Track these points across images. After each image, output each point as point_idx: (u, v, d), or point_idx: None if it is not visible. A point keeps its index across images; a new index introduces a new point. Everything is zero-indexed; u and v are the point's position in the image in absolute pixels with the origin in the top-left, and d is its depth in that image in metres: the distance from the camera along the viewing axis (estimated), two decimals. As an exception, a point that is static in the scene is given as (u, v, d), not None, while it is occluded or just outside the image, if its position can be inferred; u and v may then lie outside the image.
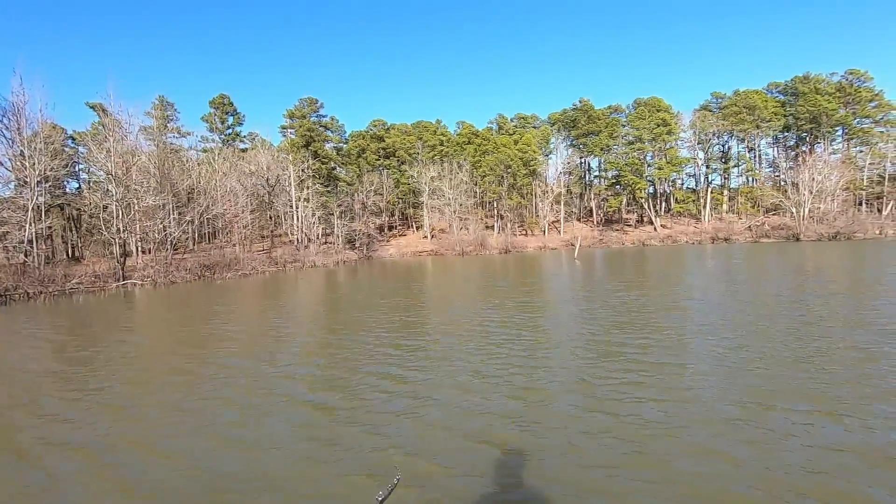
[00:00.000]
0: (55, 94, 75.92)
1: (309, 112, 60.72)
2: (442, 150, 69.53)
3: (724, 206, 68.66)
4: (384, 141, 69.32)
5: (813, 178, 55.15)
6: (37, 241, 35.36)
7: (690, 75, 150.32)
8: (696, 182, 73.47)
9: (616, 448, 4.84)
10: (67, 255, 47.37)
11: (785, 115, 66.47)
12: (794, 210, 56.46)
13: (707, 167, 69.18)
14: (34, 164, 35.42)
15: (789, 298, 13.79)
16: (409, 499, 4.06)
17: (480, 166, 65.79)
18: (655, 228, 64.48)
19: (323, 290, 24.86)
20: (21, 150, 36.93)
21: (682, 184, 74.91)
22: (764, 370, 7.11)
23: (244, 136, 65.51)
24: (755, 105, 64.73)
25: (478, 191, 66.75)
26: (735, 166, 69.77)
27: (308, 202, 52.67)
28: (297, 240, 52.14)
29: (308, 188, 53.58)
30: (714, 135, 67.83)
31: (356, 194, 59.82)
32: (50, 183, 43.03)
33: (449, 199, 61.20)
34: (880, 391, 6.02)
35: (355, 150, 66.71)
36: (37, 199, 35.52)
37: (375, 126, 72.77)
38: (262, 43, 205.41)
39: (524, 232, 67.66)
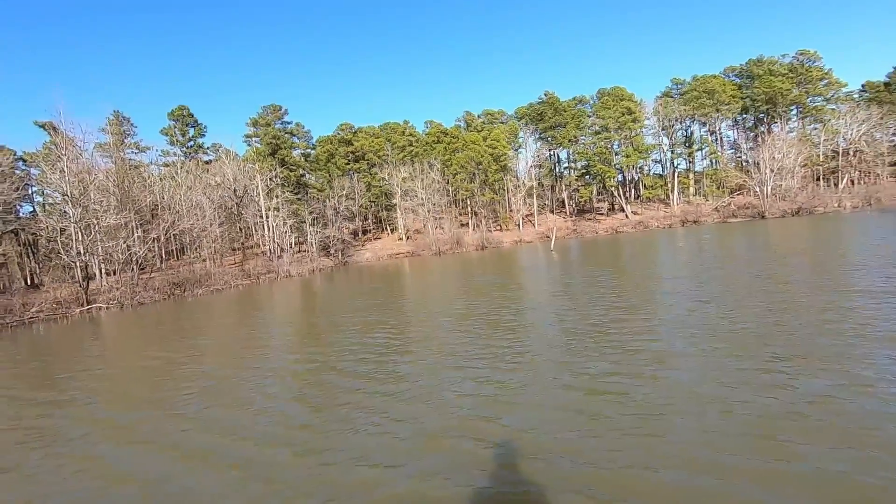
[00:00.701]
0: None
1: (273, 119, 59.45)
2: (412, 151, 69.08)
3: (692, 190, 70.29)
4: (352, 145, 68.42)
5: (773, 157, 56.94)
6: (-10, 270, 33.54)
7: (650, 63, 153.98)
8: (663, 168, 75.06)
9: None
10: (25, 282, 45.13)
11: (742, 98, 68.46)
12: (757, 189, 58.19)
13: (672, 152, 70.67)
14: (-19, 189, 33.59)
15: (761, 273, 14.11)
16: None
17: (451, 164, 65.62)
18: (627, 215, 65.55)
19: (298, 300, 24.27)
20: (-34, 176, 35.05)
21: (650, 170, 76.40)
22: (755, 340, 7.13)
23: (207, 148, 63.73)
24: (714, 89, 66.45)
25: (450, 189, 66.58)
26: (699, 150, 71.46)
27: (278, 211, 51.52)
28: (270, 250, 50.97)
29: (277, 197, 52.44)
30: (677, 120, 69.32)
31: (327, 200, 58.84)
32: (1, 208, 40.97)
33: (422, 199, 60.84)
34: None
35: (324, 156, 65.65)
36: (-14, 226, 33.66)
37: (342, 130, 71.79)
38: (219, 50, 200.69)
39: (499, 227, 67.84)
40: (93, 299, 32.24)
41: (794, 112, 68.97)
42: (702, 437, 4.66)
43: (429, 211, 61.15)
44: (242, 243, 54.47)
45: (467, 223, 67.22)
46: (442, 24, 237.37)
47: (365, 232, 69.51)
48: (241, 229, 55.20)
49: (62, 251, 35.91)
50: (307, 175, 63.81)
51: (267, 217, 51.99)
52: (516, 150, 74.17)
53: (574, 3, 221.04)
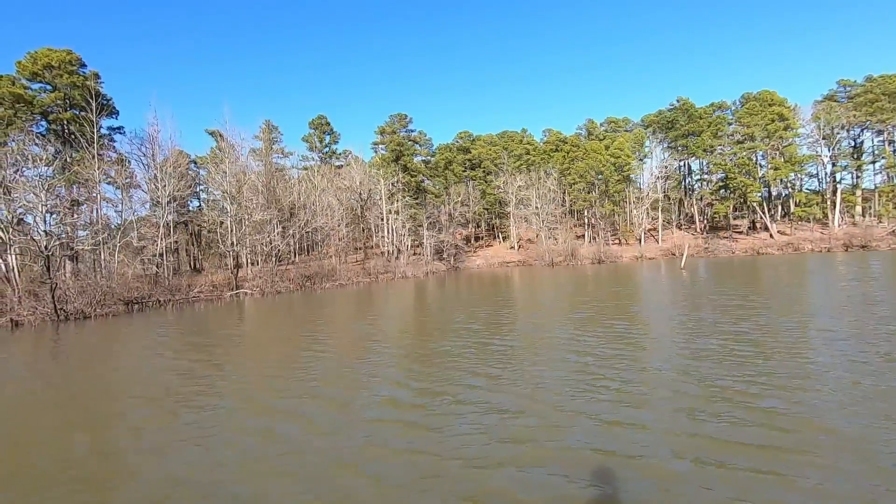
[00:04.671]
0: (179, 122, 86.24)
1: (399, 127, 62.74)
2: (528, 160, 68.28)
3: (858, 209, 59.74)
4: (470, 152, 69.66)
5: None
6: (166, 255, 39.60)
7: (802, 65, 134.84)
8: (820, 183, 64.96)
9: None
10: (190, 266, 52.73)
11: (935, 101, 56.60)
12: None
13: (834, 165, 60.74)
14: (165, 185, 39.80)
15: None
16: None
17: (569, 174, 63.52)
18: (772, 235, 57.65)
19: (418, 300, 24.84)
20: (155, 174, 41.73)
21: (802, 185, 66.56)
22: None
23: (339, 154, 69.29)
24: (896, 91, 55.93)
25: (567, 199, 64.41)
26: (871, 163, 60.55)
27: (398, 215, 54.09)
28: (389, 251, 53.63)
29: (398, 201, 55.09)
30: (842, 127, 59.50)
31: (443, 205, 60.46)
32: (177, 202, 48.32)
33: (536, 208, 59.67)
34: None
35: (442, 163, 67.67)
36: (167, 217, 39.81)
37: (461, 138, 73.43)
38: (352, 63, 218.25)
39: (617, 241, 63.96)
40: (240, 285, 36.47)
41: None
42: None
43: (543, 220, 59.75)
44: (364, 243, 58.06)
45: (583, 235, 64.43)
46: (565, 31, 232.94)
47: (477, 238, 70.11)
48: (363, 230, 58.91)
49: (220, 241, 41.33)
50: (426, 181, 66.22)
51: (387, 220, 54.86)
52: (641, 159, 69.51)
53: (709, 3, 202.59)
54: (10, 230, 24.57)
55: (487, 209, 69.01)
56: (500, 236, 70.33)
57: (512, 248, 63.32)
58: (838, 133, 60.22)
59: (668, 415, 6.06)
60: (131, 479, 5.15)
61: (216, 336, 15.40)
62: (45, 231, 25.09)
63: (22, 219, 27.94)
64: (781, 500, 4.03)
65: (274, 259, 44.66)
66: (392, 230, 53.98)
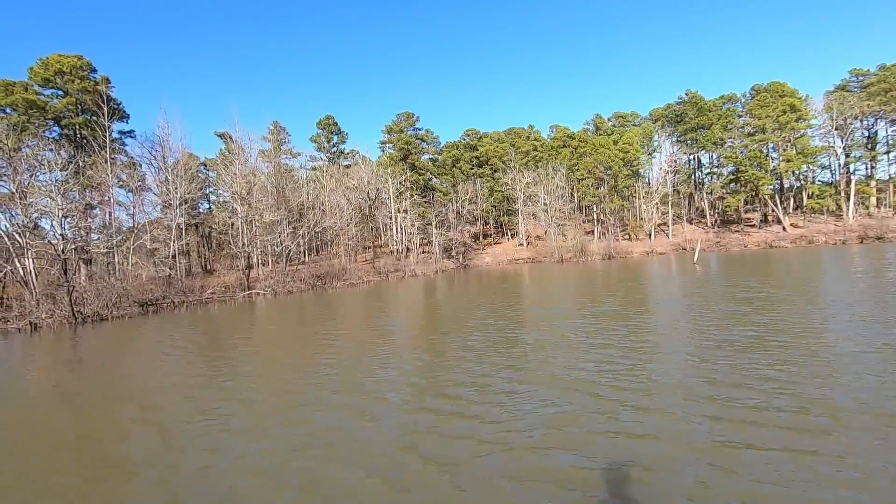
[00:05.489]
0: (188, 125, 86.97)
1: (406, 126, 62.77)
2: (535, 156, 68.01)
3: (873, 200, 58.84)
4: (477, 150, 69.51)
5: None
6: (178, 257, 39.95)
7: (812, 56, 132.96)
8: (832, 174, 64.07)
9: None
10: (202, 268, 53.17)
11: (952, 89, 55.55)
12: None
13: (848, 156, 59.82)
14: (176, 188, 40.09)
15: None
16: None
17: (577, 169, 63.18)
18: (784, 228, 56.95)
19: (429, 298, 24.81)
20: (165, 177, 42.04)
21: (814, 177, 65.65)
22: None
23: (347, 153, 69.46)
24: (912, 79, 54.93)
25: (575, 195, 64.09)
26: (886, 153, 59.59)
27: (406, 213, 54.12)
28: (398, 250, 53.70)
29: (406, 200, 55.12)
30: (856, 118, 58.58)
31: (451, 203, 60.41)
32: (188, 205, 48.72)
33: (545, 204, 59.42)
34: None
35: (449, 161, 67.57)
36: (178, 219, 40.08)
37: (468, 135, 73.31)
38: (358, 63, 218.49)
39: (627, 236, 63.54)
40: (252, 286, 36.69)
41: None
42: None
43: (551, 217, 59.48)
44: (373, 242, 58.20)
45: (592, 231, 64.08)
46: (569, 26, 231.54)
47: (485, 236, 70.00)
48: (372, 229, 59.04)
49: (231, 242, 41.59)
50: (433, 179, 66.20)
51: (396, 219, 54.92)
52: (650, 154, 68.97)
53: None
54: (28, 234, 24.88)
55: (495, 206, 68.86)
56: (509, 233, 70.16)
57: (521, 245, 63.12)
58: (851, 123, 59.31)
59: (700, 401, 6.17)
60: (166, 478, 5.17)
61: (237, 337, 15.48)
62: (61, 235, 25.39)
63: (37, 223, 28.32)
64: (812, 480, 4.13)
65: (285, 259, 44.87)
66: (401, 229, 54.04)
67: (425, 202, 59.75)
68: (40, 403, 8.85)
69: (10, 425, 7.58)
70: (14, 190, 25.28)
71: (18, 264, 24.99)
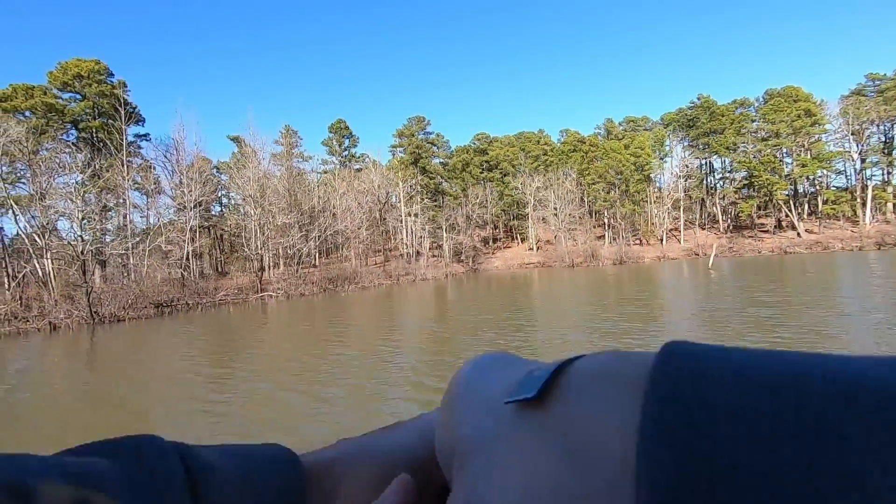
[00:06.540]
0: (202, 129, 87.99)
1: (417, 130, 62.97)
2: (546, 160, 67.90)
3: (889, 206, 57.96)
4: (487, 154, 69.52)
5: None
6: (192, 259, 40.30)
7: (826, 60, 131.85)
8: (847, 179, 63.25)
9: None
10: (215, 270, 53.55)
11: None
12: None
13: (864, 161, 59.05)
14: (190, 191, 40.48)
15: None
16: None
17: (588, 174, 62.97)
18: (799, 234, 56.30)
19: (445, 302, 24.75)
20: (180, 180, 42.42)
21: (829, 182, 64.84)
22: None
23: (358, 157, 69.74)
24: (930, 83, 54.17)
25: (586, 200, 63.83)
26: (903, 158, 58.69)
27: (417, 217, 54.20)
28: (408, 253, 53.76)
29: (416, 203, 55.21)
30: (872, 122, 57.84)
31: (461, 207, 60.41)
32: (201, 207, 49.14)
33: (555, 208, 59.22)
34: None
35: (460, 165, 67.61)
36: (192, 221, 40.45)
37: (478, 139, 73.33)
38: (370, 67, 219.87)
39: (639, 241, 63.12)
40: (264, 288, 36.86)
41: None
42: None
43: (562, 221, 59.26)
44: (384, 245, 58.31)
45: (603, 235, 63.75)
46: (580, 30, 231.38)
47: (495, 240, 69.88)
48: (383, 233, 59.17)
49: (245, 245, 41.89)
50: (444, 183, 66.26)
51: (406, 222, 55.02)
52: (662, 158, 68.59)
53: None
54: (47, 235, 25.23)
55: (505, 210, 68.74)
56: (519, 238, 69.99)
57: (531, 249, 62.93)
58: (867, 128, 58.59)
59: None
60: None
61: (256, 337, 15.54)
62: (80, 236, 25.70)
63: (55, 225, 28.71)
64: None
65: (297, 262, 45.08)
66: (411, 232, 54.11)
67: (435, 206, 59.81)
68: (74, 401, 8.91)
69: (50, 423, 7.63)
70: (33, 192, 25.69)
71: (38, 265, 25.33)
